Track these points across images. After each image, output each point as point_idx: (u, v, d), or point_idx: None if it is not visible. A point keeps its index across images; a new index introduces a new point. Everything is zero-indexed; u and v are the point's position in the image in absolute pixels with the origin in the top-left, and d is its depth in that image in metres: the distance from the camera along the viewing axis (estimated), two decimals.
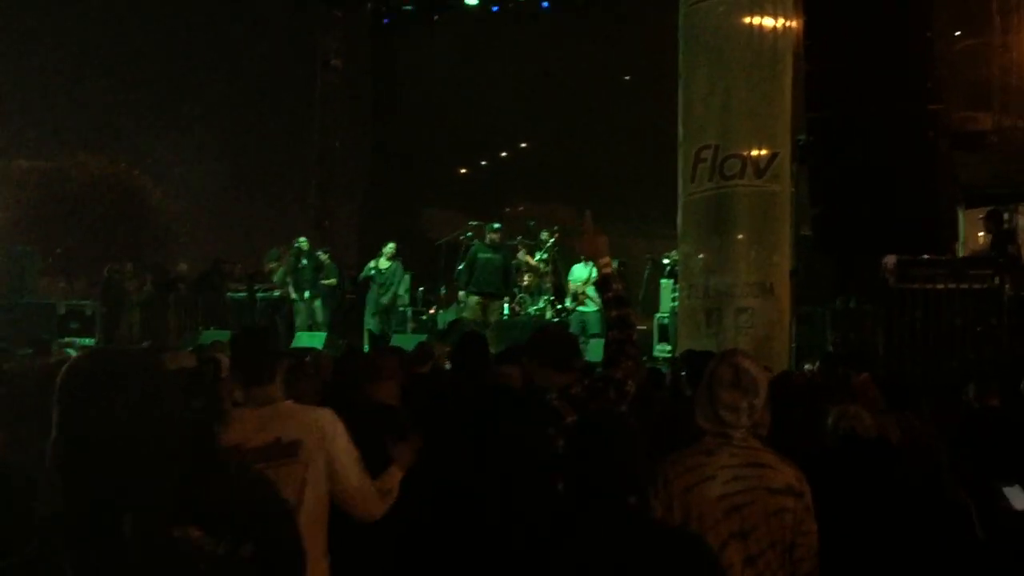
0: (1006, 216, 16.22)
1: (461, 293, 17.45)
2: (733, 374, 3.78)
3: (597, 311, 16.82)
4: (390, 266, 18.11)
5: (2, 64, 24.17)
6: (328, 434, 4.23)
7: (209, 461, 3.24)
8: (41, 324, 18.20)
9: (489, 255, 17.00)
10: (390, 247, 18.19)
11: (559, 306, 18.33)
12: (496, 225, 17.41)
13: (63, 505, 1.82)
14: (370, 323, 17.92)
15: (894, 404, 6.02)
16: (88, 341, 18.28)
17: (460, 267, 17.33)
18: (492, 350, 9.27)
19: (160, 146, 27.21)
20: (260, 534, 3.19)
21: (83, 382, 1.87)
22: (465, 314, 16.89)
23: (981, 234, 15.67)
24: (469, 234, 17.24)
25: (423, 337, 15.36)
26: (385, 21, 27.33)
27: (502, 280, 17.13)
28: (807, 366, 12.10)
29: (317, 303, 18.46)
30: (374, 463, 4.50)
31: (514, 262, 18.92)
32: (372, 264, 18.38)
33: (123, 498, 1.82)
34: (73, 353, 11.02)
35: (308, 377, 6.00)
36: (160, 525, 1.86)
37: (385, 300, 18.22)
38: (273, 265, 20.38)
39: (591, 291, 17.32)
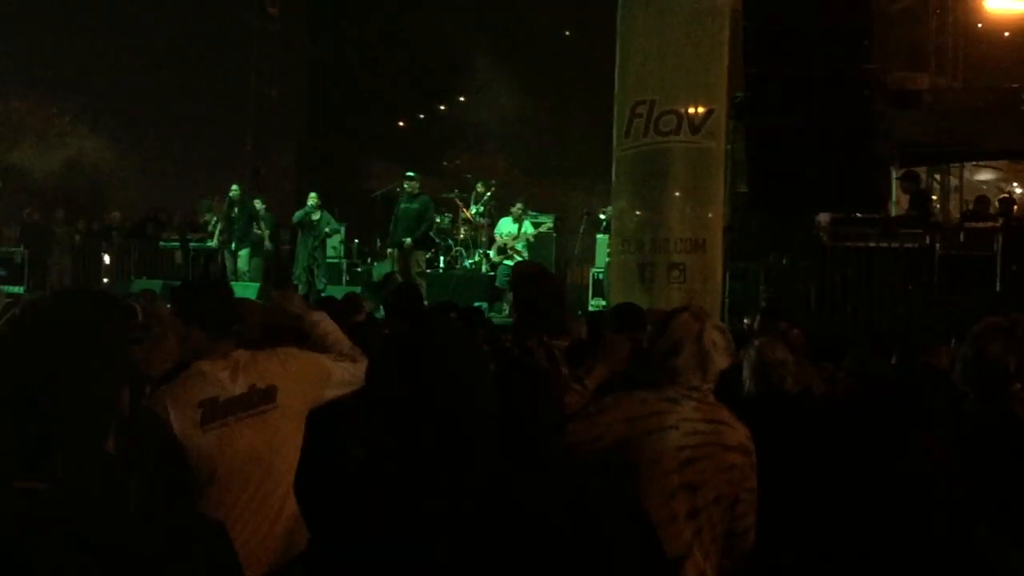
0: (937, 177, 16.44)
1: (388, 248, 17.21)
2: (724, 339, 3.80)
3: None
4: (320, 216, 17.67)
5: None
6: (291, 356, 4.22)
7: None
8: None
9: (406, 205, 16.69)
10: (313, 197, 17.76)
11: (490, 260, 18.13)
12: (410, 173, 17.09)
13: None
14: (300, 276, 17.55)
15: (818, 357, 6.09)
16: (17, 289, 17.96)
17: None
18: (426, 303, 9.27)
19: (91, 93, 26.66)
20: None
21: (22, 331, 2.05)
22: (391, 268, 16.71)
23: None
24: (405, 186, 16.92)
25: (358, 289, 15.27)
26: None
27: (416, 228, 16.55)
28: (746, 320, 12.20)
29: (243, 253, 18.15)
30: None
31: (449, 216, 18.86)
32: (302, 212, 17.96)
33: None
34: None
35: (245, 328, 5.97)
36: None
37: (317, 252, 17.83)
38: (208, 216, 20.15)
39: (520, 245, 17.28)
